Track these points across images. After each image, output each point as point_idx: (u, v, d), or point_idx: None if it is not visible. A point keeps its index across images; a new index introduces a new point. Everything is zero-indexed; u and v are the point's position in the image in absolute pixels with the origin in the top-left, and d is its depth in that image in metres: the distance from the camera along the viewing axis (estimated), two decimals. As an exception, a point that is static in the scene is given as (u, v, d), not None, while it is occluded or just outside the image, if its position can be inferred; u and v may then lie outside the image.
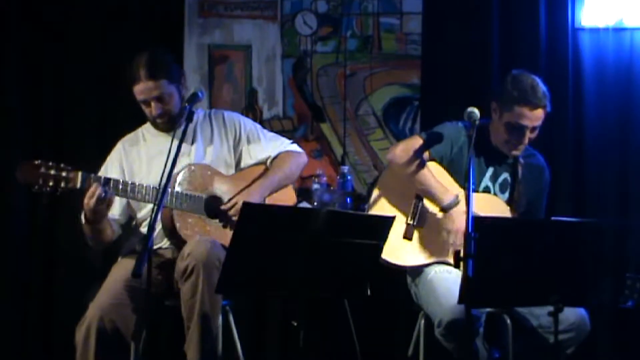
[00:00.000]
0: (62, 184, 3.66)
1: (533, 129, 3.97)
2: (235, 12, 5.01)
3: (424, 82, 4.95)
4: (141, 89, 3.89)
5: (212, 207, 3.90)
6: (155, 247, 3.91)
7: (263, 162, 4.09)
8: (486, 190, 4.09)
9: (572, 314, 3.75)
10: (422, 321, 4.03)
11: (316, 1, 4.99)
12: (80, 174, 3.68)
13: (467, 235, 3.18)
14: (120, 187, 3.77)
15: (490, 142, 4.07)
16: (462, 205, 3.94)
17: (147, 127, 4.07)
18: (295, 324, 3.39)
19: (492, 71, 4.86)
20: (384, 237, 3.37)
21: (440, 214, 4.00)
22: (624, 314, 4.45)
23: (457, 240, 3.92)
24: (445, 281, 3.88)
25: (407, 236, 4.01)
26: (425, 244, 4.03)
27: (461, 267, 3.18)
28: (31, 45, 4.92)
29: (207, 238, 3.74)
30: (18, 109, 4.94)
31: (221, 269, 3.26)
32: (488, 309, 3.86)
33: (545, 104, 3.95)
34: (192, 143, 4.00)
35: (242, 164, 4.07)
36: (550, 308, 3.34)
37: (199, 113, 4.09)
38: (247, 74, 5.01)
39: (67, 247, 4.90)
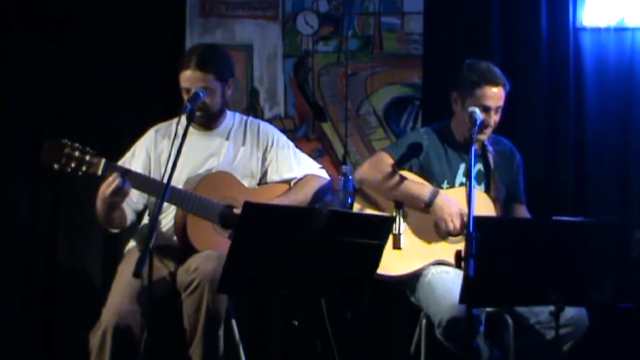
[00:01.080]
0: (84, 168, 3.69)
1: (497, 109, 4.05)
2: (236, 12, 5.00)
3: (425, 81, 4.94)
4: (187, 77, 3.92)
5: (227, 217, 3.89)
6: (164, 243, 3.89)
7: (288, 182, 4.11)
8: (462, 185, 4.11)
9: (571, 309, 3.76)
10: (424, 321, 4.03)
11: (317, 1, 4.99)
12: (103, 161, 3.71)
13: (468, 235, 3.19)
14: (140, 181, 3.78)
15: (456, 138, 4.15)
16: (443, 194, 4.02)
17: (182, 120, 4.05)
18: (297, 323, 3.39)
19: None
20: (385, 236, 3.37)
21: (423, 214, 4.02)
22: (624, 314, 4.45)
23: (454, 224, 3.95)
24: (444, 281, 3.89)
25: (397, 246, 4.03)
26: (416, 249, 4.04)
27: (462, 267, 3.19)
28: (31, 45, 4.91)
29: (215, 254, 3.72)
30: (18, 110, 4.92)
31: (223, 269, 3.26)
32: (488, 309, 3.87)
33: (504, 82, 4.07)
34: (224, 144, 4.00)
35: (267, 179, 4.09)
36: (552, 308, 3.35)
37: (235, 117, 4.14)
38: (248, 74, 5.01)
39: (68, 248, 4.91)
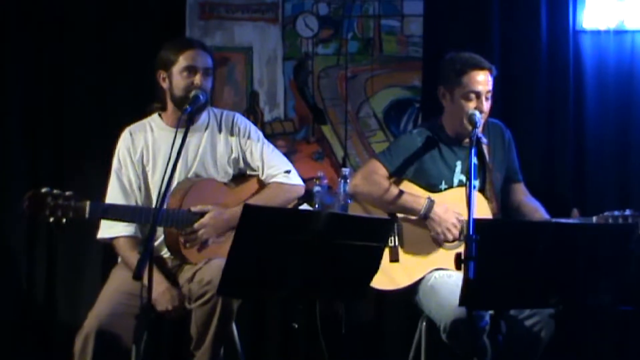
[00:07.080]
0: (70, 214, 3.58)
1: (487, 95, 4.01)
2: (236, 14, 5.01)
3: (425, 84, 4.95)
4: (193, 55, 3.88)
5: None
6: (156, 254, 3.86)
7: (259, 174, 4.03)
8: (461, 184, 4.08)
9: None
10: (424, 325, 4.02)
11: (317, 3, 4.99)
12: (88, 204, 3.62)
13: (468, 237, 3.18)
14: (129, 213, 3.72)
15: (448, 134, 4.11)
16: (440, 201, 3.98)
17: (155, 118, 4.03)
18: (296, 326, 3.39)
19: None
20: (384, 239, 3.37)
21: (417, 224, 4.01)
22: (625, 315, 4.45)
23: (452, 233, 3.93)
24: (447, 284, 3.87)
25: (394, 259, 4.01)
26: (415, 259, 4.02)
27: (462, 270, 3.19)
28: (31, 47, 4.92)
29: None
30: (16, 113, 4.93)
31: (222, 271, 3.26)
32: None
33: (489, 66, 4.03)
34: (199, 142, 3.96)
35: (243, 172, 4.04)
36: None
37: (211, 112, 4.04)
38: (248, 76, 5.01)
39: (67, 248, 4.91)
